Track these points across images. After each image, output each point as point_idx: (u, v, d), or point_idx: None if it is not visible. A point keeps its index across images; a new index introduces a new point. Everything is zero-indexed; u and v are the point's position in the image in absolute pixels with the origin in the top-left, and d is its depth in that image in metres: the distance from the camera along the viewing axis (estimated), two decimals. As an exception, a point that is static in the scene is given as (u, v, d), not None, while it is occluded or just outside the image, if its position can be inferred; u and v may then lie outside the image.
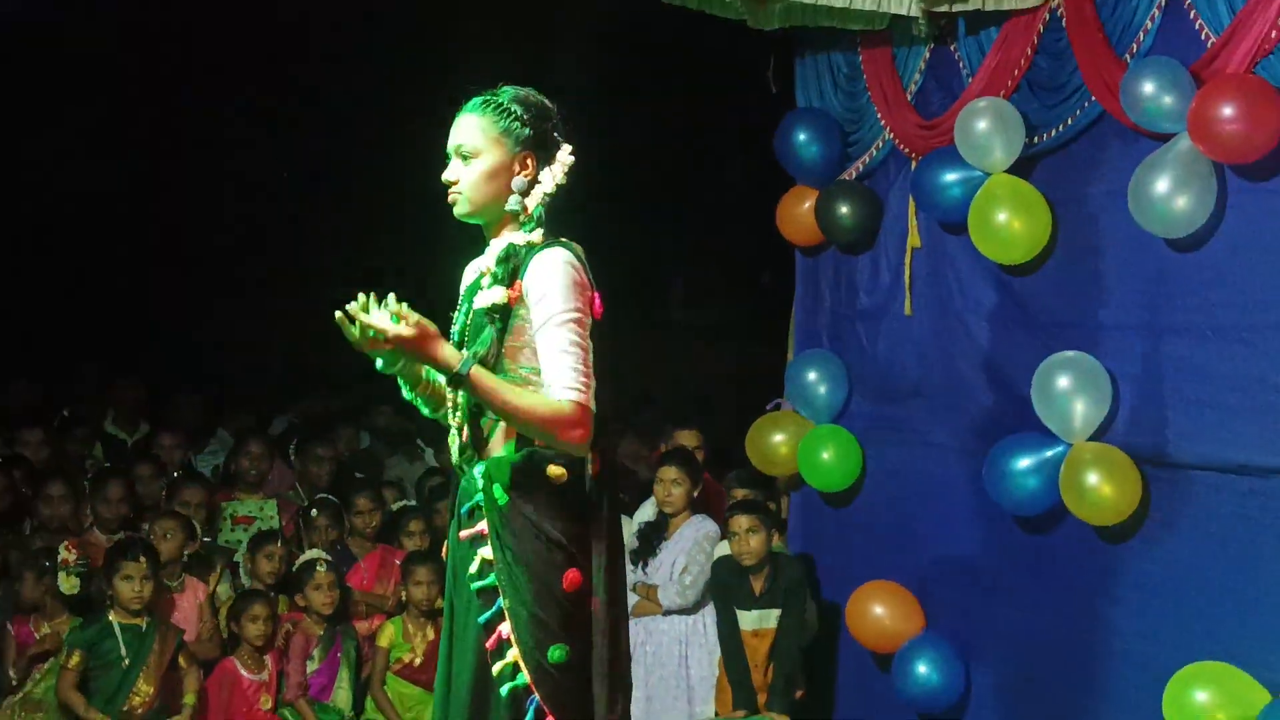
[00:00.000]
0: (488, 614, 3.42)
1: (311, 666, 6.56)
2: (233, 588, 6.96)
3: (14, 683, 6.17)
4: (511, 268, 3.46)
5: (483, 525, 3.46)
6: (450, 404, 3.60)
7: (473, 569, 3.45)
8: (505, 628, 3.40)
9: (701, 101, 8.34)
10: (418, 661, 6.61)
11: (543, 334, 3.40)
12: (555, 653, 3.39)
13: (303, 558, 6.84)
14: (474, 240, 3.77)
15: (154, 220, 9.84)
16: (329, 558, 6.80)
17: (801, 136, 6.70)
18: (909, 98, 6.41)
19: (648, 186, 9.16)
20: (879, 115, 6.52)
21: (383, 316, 3.30)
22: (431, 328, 3.37)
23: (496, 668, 3.40)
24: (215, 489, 7.78)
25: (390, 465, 9.01)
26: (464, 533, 3.50)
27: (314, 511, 7.35)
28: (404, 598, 6.75)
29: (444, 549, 3.70)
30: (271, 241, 10.11)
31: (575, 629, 3.44)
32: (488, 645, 3.42)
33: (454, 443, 3.61)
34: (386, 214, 9.30)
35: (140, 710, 6.14)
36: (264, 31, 8.54)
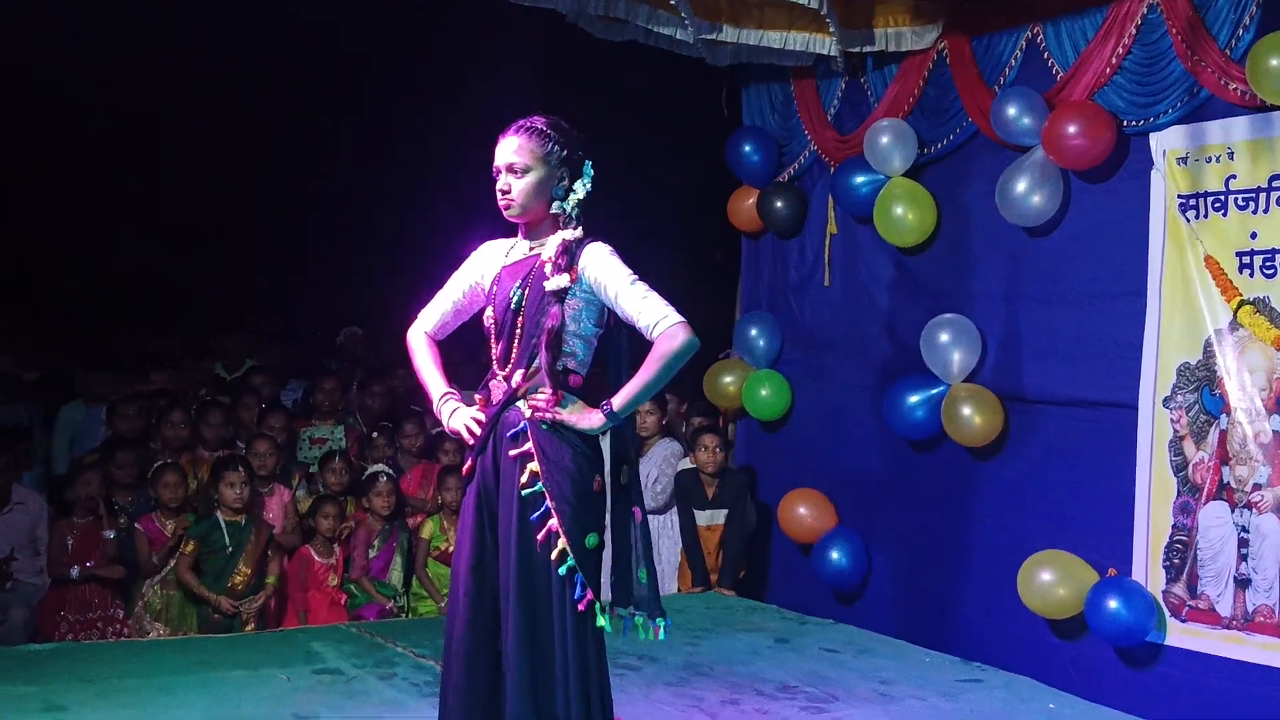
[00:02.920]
0: (537, 513, 3.36)
1: (372, 553, 6.56)
2: (309, 492, 6.97)
3: (157, 567, 6.17)
4: (570, 258, 3.45)
5: (528, 445, 3.40)
6: (496, 359, 3.52)
7: (523, 479, 3.39)
8: (554, 523, 3.35)
9: (665, 122, 8.29)
10: (451, 549, 6.61)
11: (622, 296, 3.40)
12: (591, 539, 3.37)
13: (369, 469, 6.82)
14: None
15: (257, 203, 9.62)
16: (389, 471, 6.80)
17: (747, 148, 6.69)
18: (829, 118, 6.40)
19: (627, 189, 9.10)
20: (806, 132, 6.51)
21: None
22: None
23: (555, 554, 3.34)
24: (295, 416, 7.79)
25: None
26: (512, 451, 3.41)
27: (374, 434, 7.36)
28: (440, 500, 6.77)
29: (466, 468, 3.55)
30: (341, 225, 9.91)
31: (601, 521, 3.44)
32: (538, 538, 3.35)
33: (500, 388, 3.51)
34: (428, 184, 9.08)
35: (240, 587, 6.13)
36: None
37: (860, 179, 6.06)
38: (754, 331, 6.75)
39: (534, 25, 6.24)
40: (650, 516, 6.62)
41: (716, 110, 6.93)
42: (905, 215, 5.85)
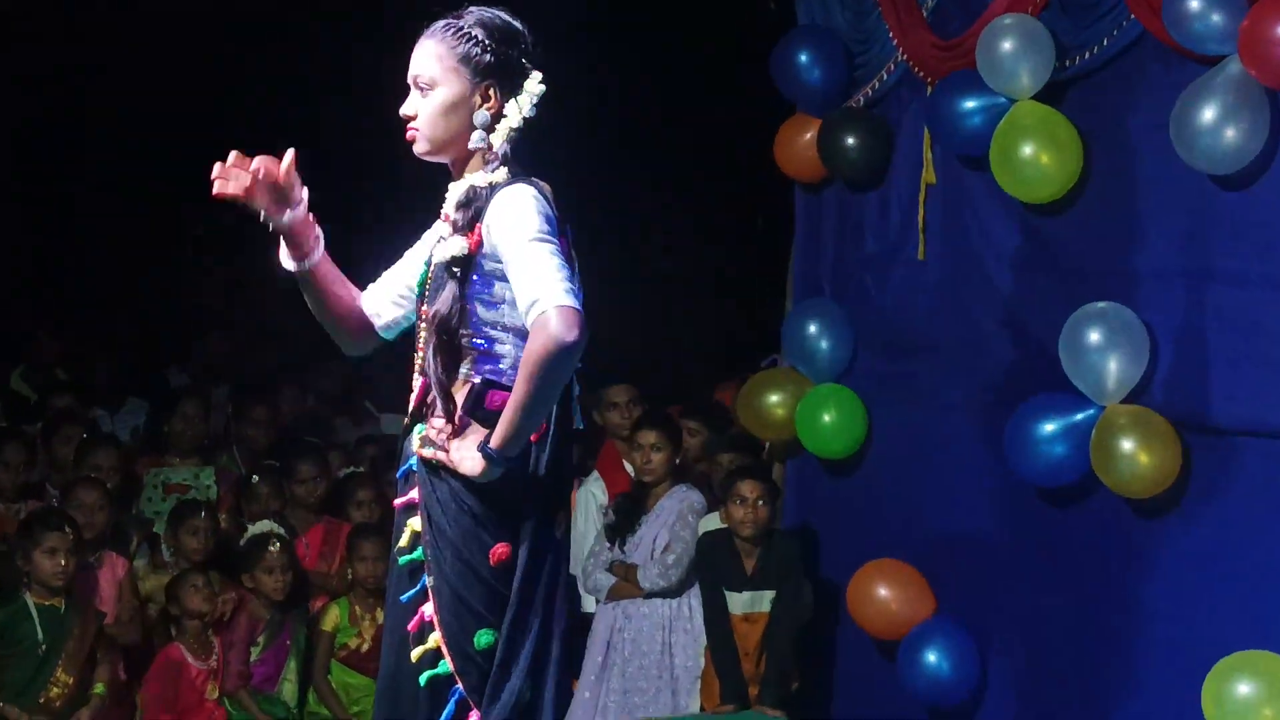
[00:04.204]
0: (412, 592, 3.42)
1: (255, 653, 6.57)
2: (151, 564, 6.95)
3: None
4: (473, 212, 3.44)
5: (414, 493, 3.46)
6: (417, 367, 3.56)
7: (402, 541, 3.46)
8: (428, 608, 3.39)
9: (688, 20, 8.32)
10: (365, 647, 6.63)
11: (511, 264, 3.36)
12: (482, 638, 3.37)
13: (252, 531, 6.86)
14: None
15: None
16: (283, 533, 6.79)
17: (803, 58, 6.69)
18: (925, 15, 6.39)
19: (629, 115, 9.13)
20: (891, 34, 6.50)
21: None
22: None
23: (416, 653, 3.39)
24: (139, 453, 7.79)
25: (336, 428, 9.02)
26: (397, 500, 3.51)
27: (254, 478, 7.35)
28: (349, 575, 6.75)
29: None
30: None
31: (503, 611, 3.41)
32: (409, 628, 3.41)
33: (411, 407, 3.59)
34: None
35: (58, 703, 6.16)
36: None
37: (971, 104, 6.07)
38: (812, 329, 6.77)
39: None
40: (659, 602, 6.67)
41: (758, 4, 6.92)
42: (1037, 157, 5.85)
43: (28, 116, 9.69)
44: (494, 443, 3.33)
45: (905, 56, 6.46)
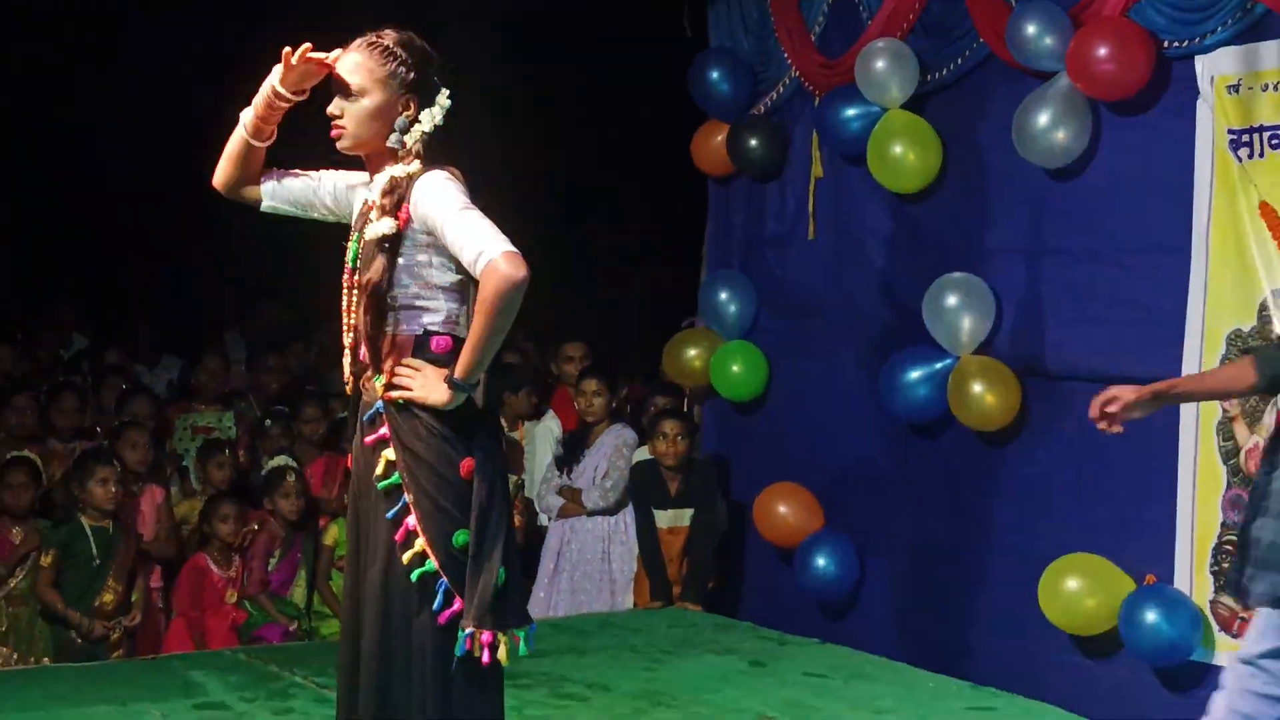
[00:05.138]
0: (395, 509, 3.37)
1: (272, 565, 6.54)
2: (183, 492, 6.93)
3: (4, 578, 6.13)
4: (397, 198, 3.40)
5: (384, 430, 3.41)
6: (345, 328, 3.53)
7: (378, 471, 3.40)
8: (411, 520, 3.36)
9: (616, 44, 8.25)
10: (360, 558, 6.59)
11: (448, 229, 3.33)
12: (459, 538, 3.35)
13: (270, 464, 6.81)
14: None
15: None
16: (296, 466, 6.76)
17: (715, 75, 6.66)
18: (813, 39, 6.37)
19: (570, 121, 9.09)
20: (785, 55, 6.48)
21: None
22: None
23: (406, 556, 3.35)
24: (168, 401, 7.75)
25: (335, 378, 8.95)
26: (368, 438, 3.44)
27: (267, 421, 7.32)
28: (347, 500, 6.72)
29: (348, 459, 3.65)
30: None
31: (473, 515, 3.38)
32: (396, 538, 3.37)
33: (349, 362, 3.54)
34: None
35: (110, 606, 6.13)
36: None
37: (851, 112, 6.06)
38: (723, 295, 6.75)
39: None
40: (600, 519, 6.68)
41: (678, 29, 6.90)
42: (905, 155, 5.86)
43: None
44: (459, 373, 3.32)
45: (797, 73, 6.44)
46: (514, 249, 3.27)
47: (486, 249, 3.26)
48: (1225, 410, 4.93)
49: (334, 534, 6.61)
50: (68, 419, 6.95)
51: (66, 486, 6.32)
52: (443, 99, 3.50)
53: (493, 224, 3.32)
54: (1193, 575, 4.99)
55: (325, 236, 3.78)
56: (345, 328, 3.53)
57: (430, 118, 3.47)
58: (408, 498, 3.36)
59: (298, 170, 3.67)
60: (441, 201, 3.35)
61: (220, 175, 3.65)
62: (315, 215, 3.71)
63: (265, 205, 3.68)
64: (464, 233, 3.31)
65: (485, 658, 3.31)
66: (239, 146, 3.60)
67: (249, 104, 3.55)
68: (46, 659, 6.00)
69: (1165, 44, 5.05)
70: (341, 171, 3.68)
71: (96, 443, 6.82)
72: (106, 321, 9.22)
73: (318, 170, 3.68)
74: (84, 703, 4.92)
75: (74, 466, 6.33)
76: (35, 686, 5.17)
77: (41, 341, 8.59)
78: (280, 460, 6.80)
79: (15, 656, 6.00)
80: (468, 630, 3.31)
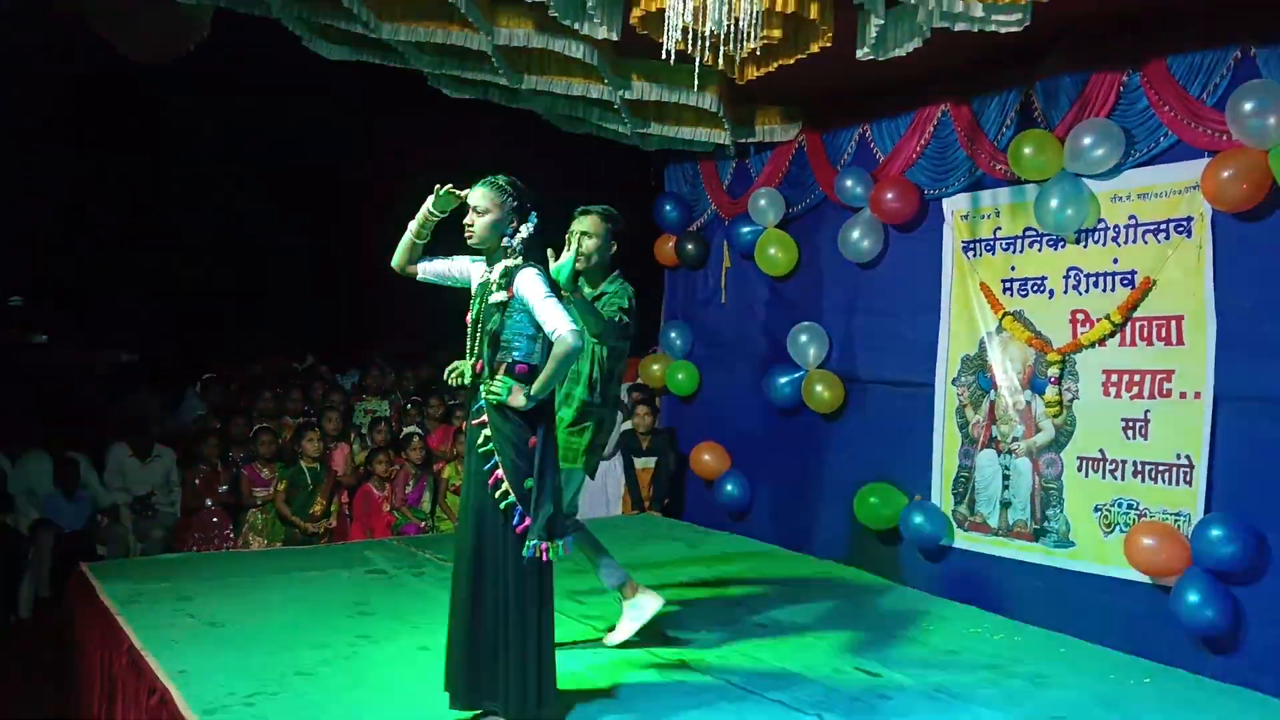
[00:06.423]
0: (488, 465, 3.27)
1: (409, 489, 6.50)
2: (362, 447, 6.90)
3: (258, 501, 6.11)
4: (508, 280, 3.33)
5: (485, 417, 3.30)
6: (469, 353, 3.37)
7: (479, 441, 3.30)
8: (499, 471, 3.25)
9: (608, 190, 8.18)
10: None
11: (537, 309, 3.27)
12: (527, 483, 3.25)
13: (406, 431, 6.77)
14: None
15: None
16: (420, 431, 6.73)
17: (668, 207, 6.63)
18: (724, 187, 6.35)
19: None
20: (708, 196, 6.46)
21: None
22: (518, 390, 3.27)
23: (497, 494, 3.25)
24: (351, 394, 7.71)
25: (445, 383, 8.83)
26: (475, 421, 3.32)
27: (408, 406, 7.29)
28: (456, 451, 6.70)
29: (461, 429, 3.57)
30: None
31: (535, 470, 3.29)
32: (489, 483, 3.27)
33: (467, 371, 3.38)
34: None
35: (317, 514, 6.11)
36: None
37: (746, 229, 6.05)
38: (674, 334, 6.71)
39: (511, 122, 6.00)
40: (604, 462, 6.60)
41: (646, 181, 6.90)
42: (777, 254, 5.86)
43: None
44: (532, 391, 3.25)
45: (715, 207, 6.42)
46: (574, 326, 3.21)
47: (559, 326, 3.20)
48: (960, 401, 4.93)
49: (448, 471, 6.58)
50: (294, 404, 6.92)
51: (293, 444, 6.31)
52: (532, 217, 3.39)
53: (562, 306, 3.25)
54: (943, 495, 4.99)
55: (436, 299, 3.68)
56: (468, 353, 3.39)
57: (526, 229, 3.36)
58: (498, 459, 3.27)
59: (439, 258, 3.54)
60: (533, 289, 3.27)
61: (396, 259, 3.51)
62: (449, 284, 3.56)
63: (420, 277, 3.55)
64: (545, 312, 3.24)
65: (544, 558, 3.24)
66: (408, 243, 3.48)
67: (412, 217, 3.43)
68: (278, 544, 5.98)
69: (925, 192, 5.07)
70: (468, 258, 3.53)
71: (309, 419, 6.80)
72: (325, 347, 9.06)
73: (451, 256, 3.55)
74: (303, 570, 4.90)
75: (296, 432, 6.31)
76: (275, 560, 5.16)
77: (280, 358, 8.54)
78: (411, 429, 6.76)
79: (265, 543, 5.99)
80: (532, 542, 3.21)
